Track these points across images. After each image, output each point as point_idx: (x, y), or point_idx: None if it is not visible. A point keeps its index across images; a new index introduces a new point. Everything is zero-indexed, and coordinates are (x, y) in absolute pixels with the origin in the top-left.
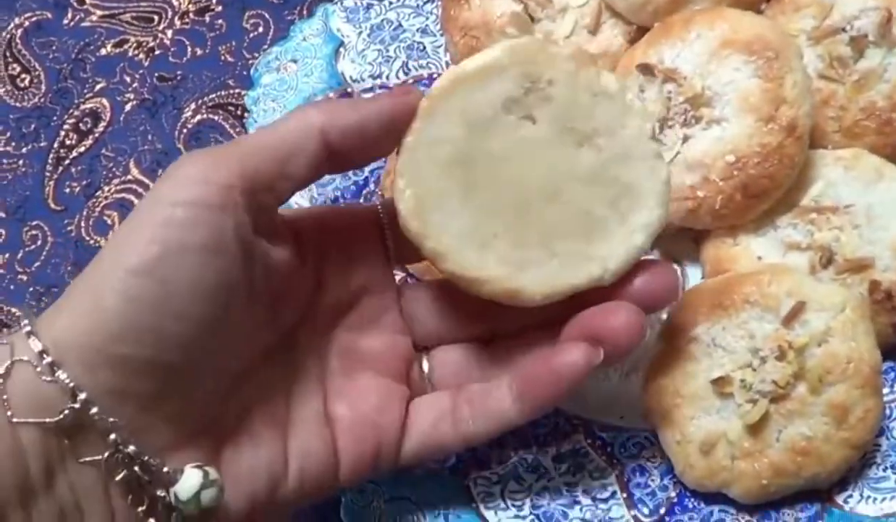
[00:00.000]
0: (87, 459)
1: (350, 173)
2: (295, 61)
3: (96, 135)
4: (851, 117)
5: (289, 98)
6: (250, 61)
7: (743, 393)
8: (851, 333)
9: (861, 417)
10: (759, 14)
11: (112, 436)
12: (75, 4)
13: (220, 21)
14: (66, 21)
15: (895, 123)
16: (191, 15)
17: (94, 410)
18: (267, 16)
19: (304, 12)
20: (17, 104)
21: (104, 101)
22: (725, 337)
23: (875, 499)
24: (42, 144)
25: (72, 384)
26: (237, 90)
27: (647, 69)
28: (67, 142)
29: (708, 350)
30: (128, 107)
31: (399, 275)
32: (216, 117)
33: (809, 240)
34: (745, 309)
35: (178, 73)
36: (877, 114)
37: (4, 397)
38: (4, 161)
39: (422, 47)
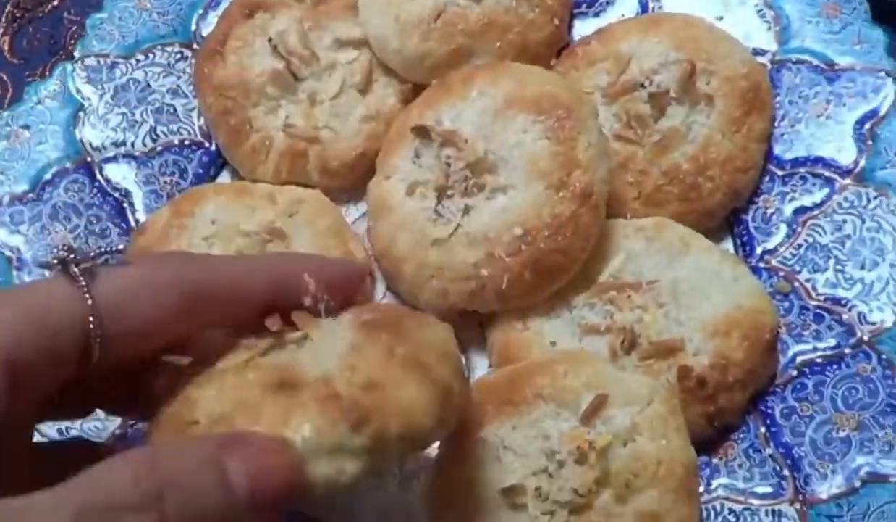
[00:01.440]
0: None
1: None
2: (27, 127)
3: None
4: (653, 182)
5: (19, 169)
6: None
7: (538, 504)
8: (661, 429)
9: None
10: (549, 69)
11: None
12: None
13: None
14: None
15: (701, 188)
16: None
17: None
18: (5, 78)
19: (47, 73)
20: None
21: None
22: (516, 438)
23: None
24: None
25: None
26: None
27: (422, 132)
28: None
29: (497, 454)
30: None
31: None
32: None
33: (609, 322)
34: (538, 405)
35: None
36: (681, 178)
37: None
38: None
39: (172, 110)
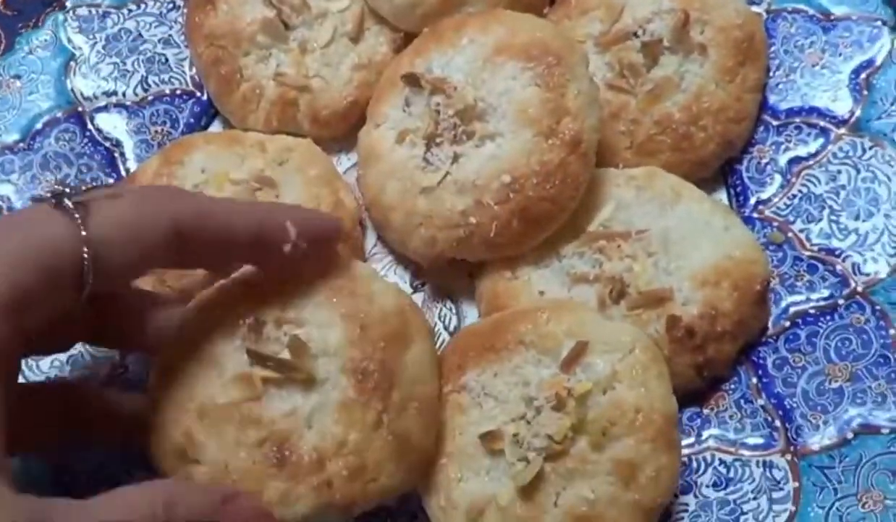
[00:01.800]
0: None
1: None
2: (18, 77)
3: None
4: (645, 132)
5: (10, 119)
6: None
7: (515, 450)
8: (641, 377)
9: (652, 476)
10: (542, 18)
11: None
12: None
13: None
14: None
15: (694, 137)
16: None
17: None
18: None
19: (39, 23)
20: None
21: None
22: (497, 385)
23: None
24: None
25: None
26: None
27: (412, 79)
28: None
29: (478, 400)
30: None
31: None
32: None
33: (598, 271)
34: (520, 352)
35: None
36: (673, 127)
37: None
38: None
39: (164, 60)
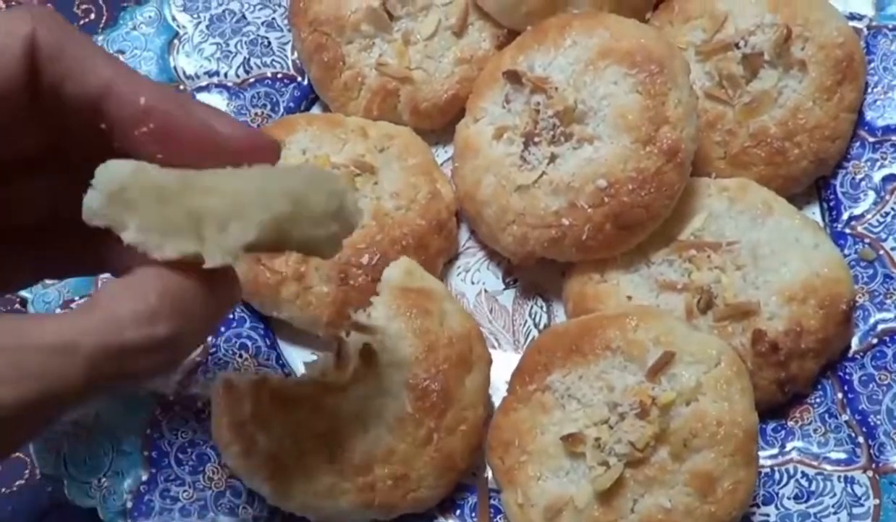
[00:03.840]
0: None
1: None
2: (122, 52)
3: None
4: (739, 144)
5: None
6: None
7: (596, 454)
8: (725, 391)
9: (730, 489)
10: (645, 22)
11: None
12: None
13: (48, 5)
14: None
15: (788, 153)
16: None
17: None
18: (101, 2)
19: None
20: None
21: None
22: (582, 388)
23: None
24: None
25: None
26: None
27: (514, 77)
28: None
29: (561, 401)
30: None
31: None
32: None
33: (686, 280)
34: (606, 357)
35: None
36: (768, 141)
37: None
38: None
39: (266, 43)
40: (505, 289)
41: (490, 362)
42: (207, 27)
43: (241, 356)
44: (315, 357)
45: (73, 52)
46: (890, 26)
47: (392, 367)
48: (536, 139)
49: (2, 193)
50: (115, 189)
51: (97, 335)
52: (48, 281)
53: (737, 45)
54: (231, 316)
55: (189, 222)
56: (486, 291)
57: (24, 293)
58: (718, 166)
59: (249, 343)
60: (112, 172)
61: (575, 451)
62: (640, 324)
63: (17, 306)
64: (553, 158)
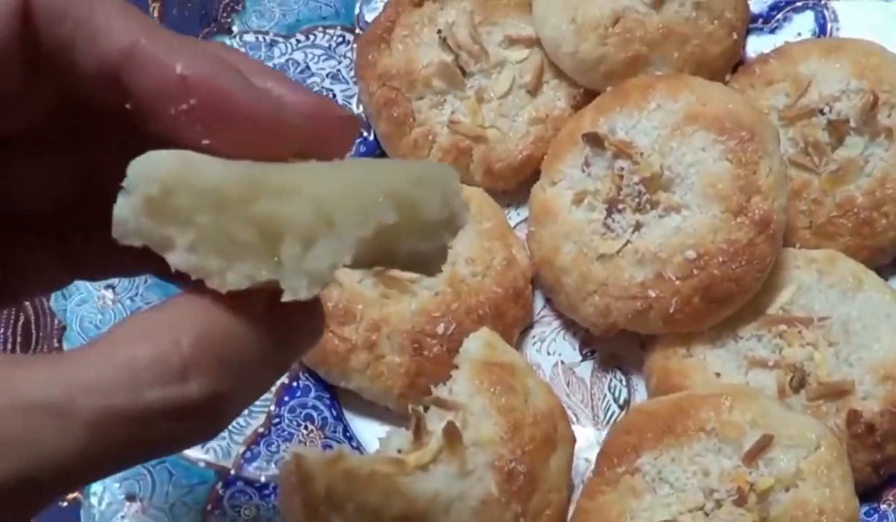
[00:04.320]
0: None
1: None
2: None
3: None
4: (825, 213)
5: None
6: None
7: None
8: (826, 477)
9: None
10: (724, 84)
11: None
12: None
13: None
14: None
15: (875, 224)
16: None
17: None
18: None
19: None
20: None
21: None
22: (675, 471)
23: None
24: None
25: None
26: None
27: (595, 140)
28: None
29: (652, 485)
30: None
31: None
32: None
33: (778, 357)
34: (700, 439)
35: None
36: (854, 212)
37: None
38: None
39: (331, 95)
40: (582, 361)
41: (574, 441)
42: None
43: (306, 428)
44: (385, 432)
45: (79, 9)
46: None
47: (476, 446)
48: (620, 206)
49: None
50: (155, 193)
51: (101, 395)
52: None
53: (821, 111)
54: (295, 384)
55: (260, 238)
56: (562, 362)
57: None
58: (804, 237)
59: (315, 414)
60: (150, 169)
61: None
62: (735, 405)
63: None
64: (638, 226)
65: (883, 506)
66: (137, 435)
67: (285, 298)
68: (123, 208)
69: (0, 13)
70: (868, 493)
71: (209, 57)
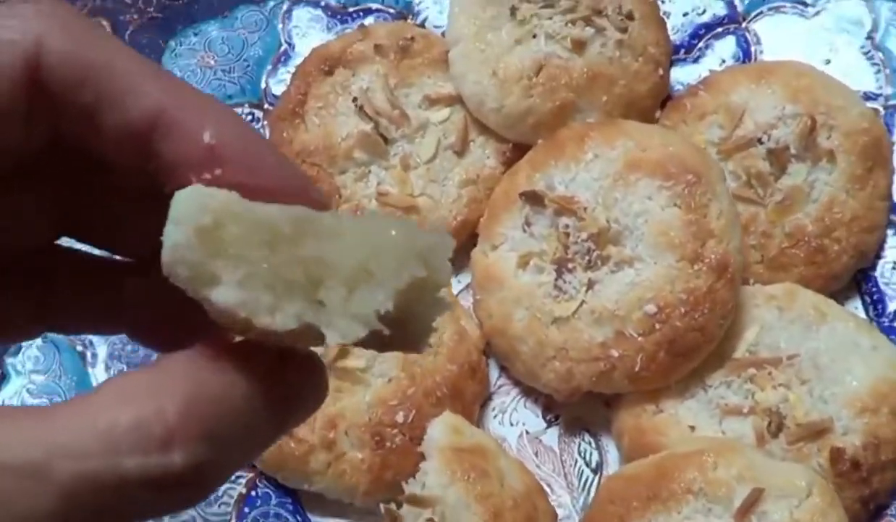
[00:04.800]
0: None
1: None
2: None
3: None
4: (776, 245)
5: None
6: None
7: None
8: None
9: None
10: (653, 123)
11: None
12: None
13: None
14: None
15: (828, 251)
16: None
17: None
18: None
19: None
20: None
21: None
22: None
23: None
24: None
25: None
26: None
27: (534, 198)
28: None
29: None
30: None
31: None
32: None
33: (751, 402)
34: (689, 501)
35: None
36: (805, 240)
37: None
38: None
39: None
40: (547, 427)
41: (556, 516)
42: None
43: None
44: None
45: (100, 74)
46: None
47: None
48: (570, 265)
49: None
50: (207, 223)
51: (77, 459)
52: None
53: (759, 141)
54: (254, 493)
55: (307, 279)
56: (527, 432)
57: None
58: (757, 271)
59: None
60: (201, 199)
61: None
62: (719, 460)
63: None
64: (591, 284)
65: None
66: (113, 504)
67: (330, 341)
68: (176, 235)
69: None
70: None
71: (237, 123)
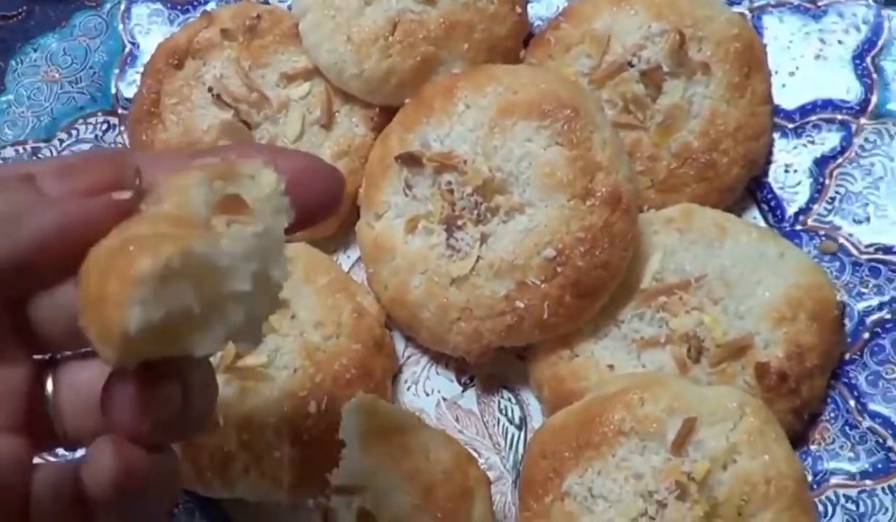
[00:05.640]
0: None
1: None
2: None
3: None
4: (664, 167)
5: None
6: None
7: None
8: (761, 443)
9: None
10: (519, 63)
11: None
12: None
13: None
14: None
15: (718, 164)
16: None
17: None
18: None
19: None
20: None
21: None
22: (605, 484)
23: None
24: None
25: None
26: None
27: (411, 160)
28: None
29: (586, 505)
30: None
31: None
32: None
33: (667, 331)
34: (621, 443)
35: None
36: (693, 158)
37: None
38: None
39: None
40: (464, 391)
41: (488, 481)
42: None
43: None
44: None
45: None
46: (773, 3)
47: None
48: (459, 222)
49: None
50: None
51: None
52: None
53: (630, 64)
54: (176, 512)
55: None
56: (444, 399)
57: None
58: (649, 197)
59: None
60: None
61: None
62: (645, 396)
63: None
64: (484, 238)
65: (813, 446)
66: None
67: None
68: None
69: None
70: (794, 440)
71: None
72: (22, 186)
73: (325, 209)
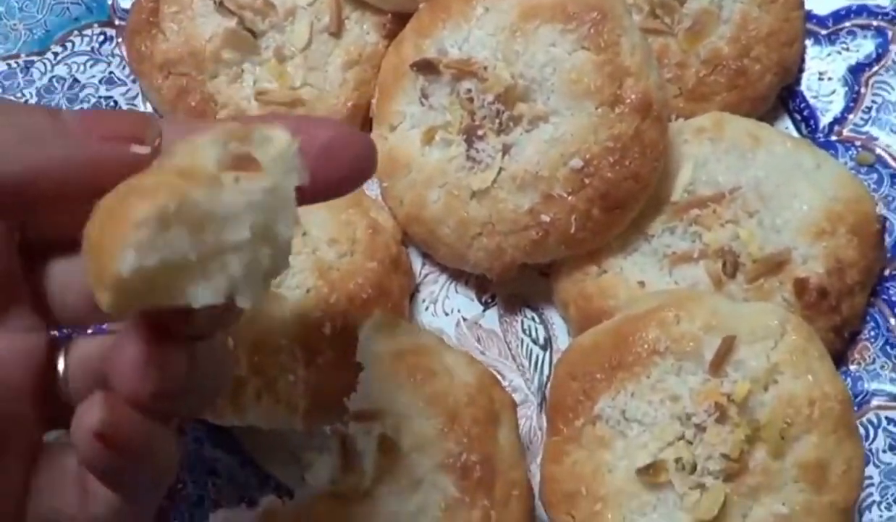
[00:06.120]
0: None
1: None
2: None
3: None
4: (694, 75)
5: None
6: None
7: (684, 478)
8: (804, 362)
9: (844, 470)
10: None
11: None
12: None
13: None
14: None
15: (749, 71)
16: None
17: None
18: None
19: None
20: None
21: None
22: (639, 406)
23: None
24: None
25: None
26: None
27: (427, 67)
28: None
29: (619, 429)
30: None
31: None
32: None
33: (700, 245)
34: (656, 363)
35: None
36: (724, 64)
37: None
38: None
39: (112, 103)
40: (485, 310)
41: (514, 404)
42: (38, 103)
43: (213, 484)
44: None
45: None
46: None
47: (417, 452)
48: (480, 132)
49: None
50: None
51: None
52: None
53: None
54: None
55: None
56: (464, 319)
57: None
58: (677, 105)
59: (218, 466)
60: None
61: (657, 481)
62: (681, 314)
63: None
64: (506, 148)
65: (852, 367)
66: None
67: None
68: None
69: None
70: (834, 359)
71: None
72: (47, 117)
73: (356, 179)
